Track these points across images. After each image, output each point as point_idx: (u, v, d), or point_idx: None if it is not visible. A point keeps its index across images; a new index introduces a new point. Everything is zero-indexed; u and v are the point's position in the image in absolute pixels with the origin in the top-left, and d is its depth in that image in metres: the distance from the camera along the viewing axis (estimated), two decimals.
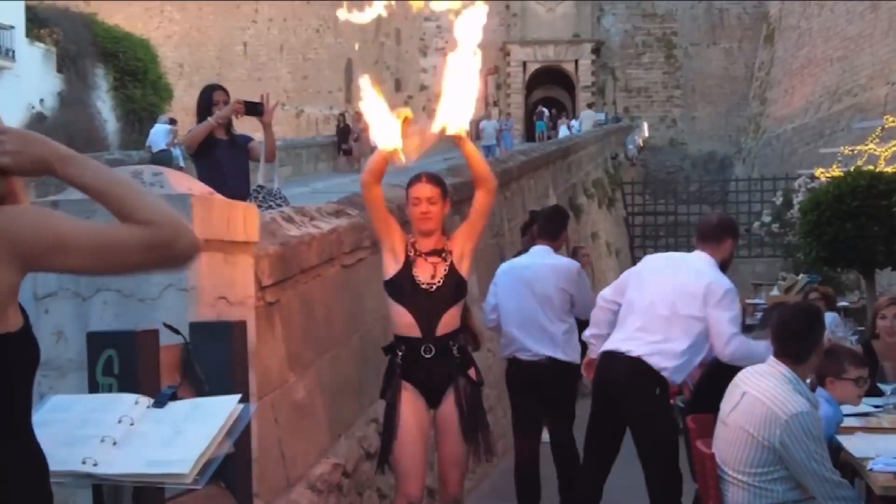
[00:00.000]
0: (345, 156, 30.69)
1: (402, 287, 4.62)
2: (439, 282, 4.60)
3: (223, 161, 6.49)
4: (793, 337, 4.13)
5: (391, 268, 4.65)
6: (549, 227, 6.62)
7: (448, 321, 4.64)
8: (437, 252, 4.65)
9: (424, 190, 4.64)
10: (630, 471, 5.42)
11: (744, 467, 4.04)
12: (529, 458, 6.41)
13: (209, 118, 6.53)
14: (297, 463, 4.45)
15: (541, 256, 6.45)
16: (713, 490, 4.23)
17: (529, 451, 6.42)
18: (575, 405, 6.52)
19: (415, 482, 4.62)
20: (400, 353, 4.64)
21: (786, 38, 38.34)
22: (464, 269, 4.69)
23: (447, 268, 4.63)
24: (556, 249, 6.54)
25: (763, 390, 4.02)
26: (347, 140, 30.46)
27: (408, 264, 4.62)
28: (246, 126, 7.09)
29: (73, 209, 3.38)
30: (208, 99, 6.70)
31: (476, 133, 35.42)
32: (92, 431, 2.19)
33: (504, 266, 6.69)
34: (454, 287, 4.65)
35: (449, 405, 4.64)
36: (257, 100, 6.70)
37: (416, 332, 4.60)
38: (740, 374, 4.29)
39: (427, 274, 4.61)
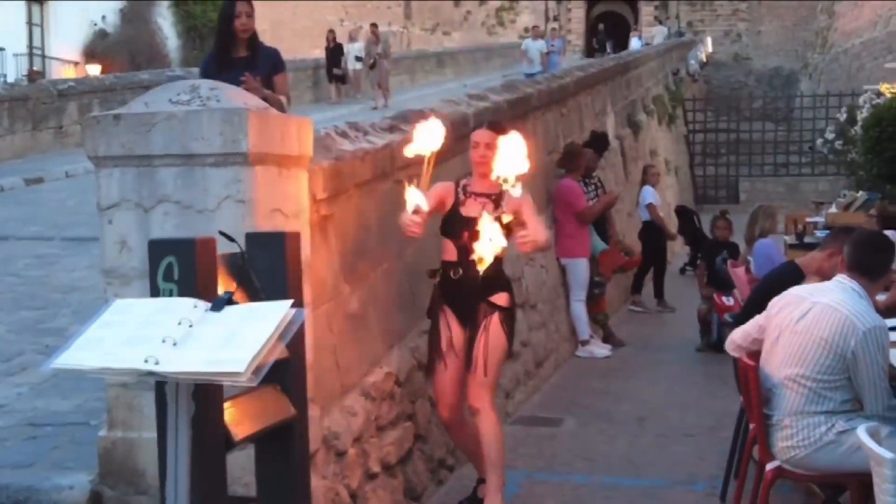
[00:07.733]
0: (336, 83, 25.27)
1: (451, 223, 4.99)
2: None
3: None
4: (874, 252, 4.26)
5: (444, 213, 5.04)
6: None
7: None
8: (487, 194, 4.95)
9: (484, 136, 5.01)
10: None
11: (809, 371, 4.15)
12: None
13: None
14: (351, 371, 4.61)
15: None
16: (756, 400, 4.33)
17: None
18: None
19: (443, 405, 5.03)
20: (439, 277, 5.00)
21: None
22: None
23: (495, 208, 4.84)
24: None
25: (839, 301, 4.13)
26: (339, 63, 25.26)
27: (456, 204, 5.01)
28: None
29: (134, 122, 3.50)
30: (229, 12, 5.87)
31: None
32: (153, 332, 2.32)
33: None
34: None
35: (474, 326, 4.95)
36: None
37: (452, 258, 4.95)
38: (803, 288, 4.45)
39: (474, 210, 4.86)
